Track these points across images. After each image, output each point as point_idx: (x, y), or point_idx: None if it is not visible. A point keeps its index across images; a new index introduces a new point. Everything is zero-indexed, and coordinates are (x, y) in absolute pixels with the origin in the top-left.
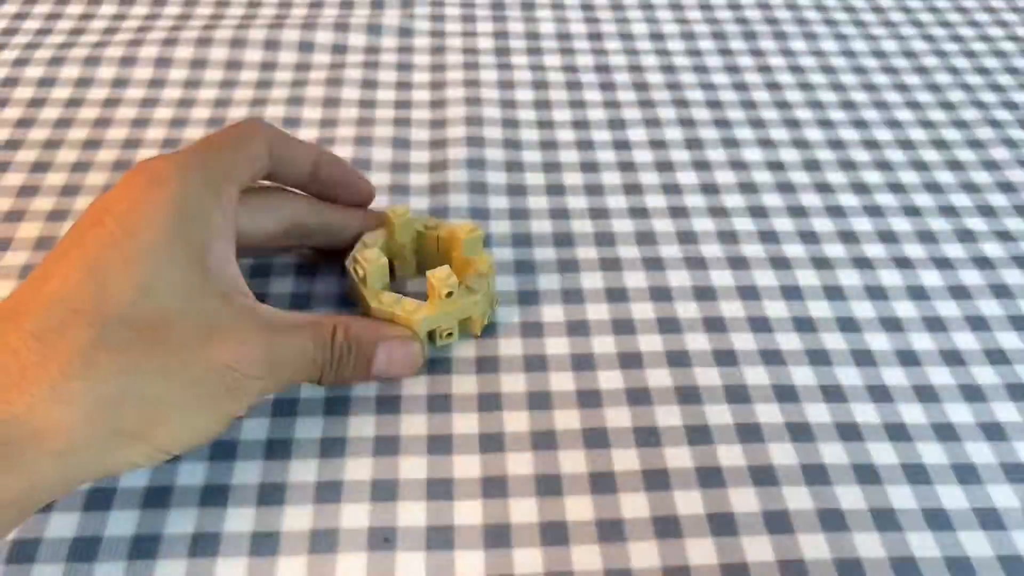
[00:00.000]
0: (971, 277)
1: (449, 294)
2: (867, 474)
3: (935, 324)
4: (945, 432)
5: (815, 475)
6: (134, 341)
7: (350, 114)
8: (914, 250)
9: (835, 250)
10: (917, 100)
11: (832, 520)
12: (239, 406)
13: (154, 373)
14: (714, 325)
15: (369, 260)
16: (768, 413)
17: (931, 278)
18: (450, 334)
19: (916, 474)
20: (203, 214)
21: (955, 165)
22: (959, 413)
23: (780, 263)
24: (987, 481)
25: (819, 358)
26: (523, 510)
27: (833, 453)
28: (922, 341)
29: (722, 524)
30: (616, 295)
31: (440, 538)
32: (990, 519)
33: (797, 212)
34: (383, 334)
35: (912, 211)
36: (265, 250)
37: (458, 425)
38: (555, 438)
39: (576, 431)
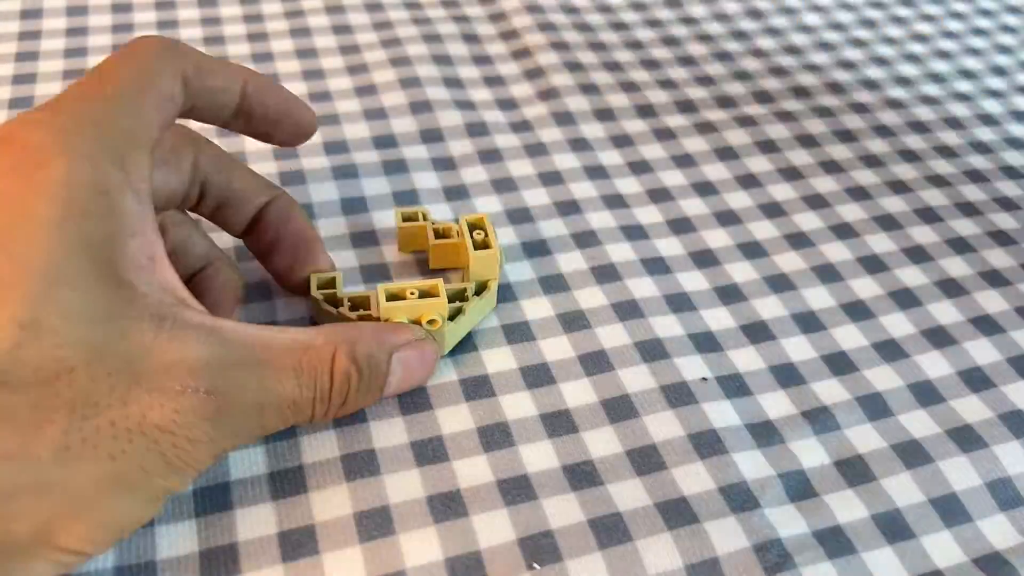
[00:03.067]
0: None
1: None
2: None
3: None
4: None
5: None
6: (18, 407)
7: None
8: None
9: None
10: None
11: None
12: (180, 481)
13: (53, 450)
14: None
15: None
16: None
17: None
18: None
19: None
20: (108, 202)
21: None
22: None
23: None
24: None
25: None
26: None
27: None
28: None
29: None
30: None
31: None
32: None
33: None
34: (396, 342)
35: None
36: None
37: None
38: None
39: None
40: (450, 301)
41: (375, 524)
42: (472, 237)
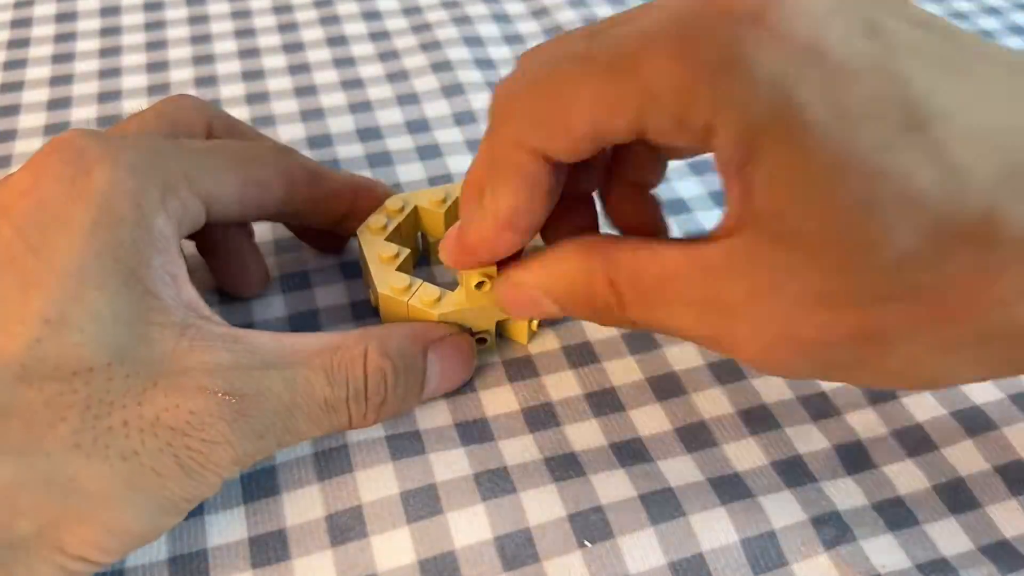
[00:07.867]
0: None
1: (480, 284)
2: None
3: None
4: None
5: None
6: (33, 403)
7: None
8: None
9: None
10: None
11: None
12: (201, 488)
13: (64, 447)
14: None
15: (373, 230)
16: None
17: None
18: (483, 339)
19: None
20: (141, 214)
21: None
22: None
23: None
24: None
25: None
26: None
27: None
28: None
29: None
30: None
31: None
32: None
33: None
34: (430, 338)
35: None
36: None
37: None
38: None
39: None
40: (479, 342)
41: (422, 502)
42: None
